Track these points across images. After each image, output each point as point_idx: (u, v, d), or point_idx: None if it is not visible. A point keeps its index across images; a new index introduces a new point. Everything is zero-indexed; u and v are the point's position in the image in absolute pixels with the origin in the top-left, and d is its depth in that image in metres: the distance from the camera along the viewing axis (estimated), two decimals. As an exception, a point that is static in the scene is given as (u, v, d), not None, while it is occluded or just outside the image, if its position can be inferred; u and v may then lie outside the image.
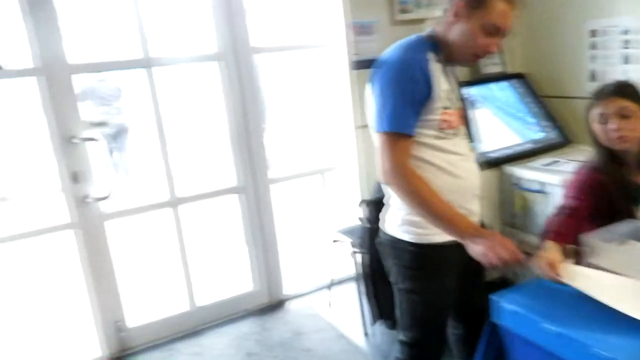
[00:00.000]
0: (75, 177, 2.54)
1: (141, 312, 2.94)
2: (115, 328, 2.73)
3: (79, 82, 2.52)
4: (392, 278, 1.79)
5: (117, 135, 5.72)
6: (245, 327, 2.95)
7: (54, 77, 2.41)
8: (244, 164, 2.94)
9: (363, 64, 3.03)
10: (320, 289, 3.27)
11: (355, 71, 3.03)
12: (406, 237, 1.67)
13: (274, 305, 3.14)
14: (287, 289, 3.21)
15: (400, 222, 1.68)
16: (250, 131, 2.92)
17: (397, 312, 1.80)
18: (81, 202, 2.56)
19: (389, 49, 1.64)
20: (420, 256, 1.67)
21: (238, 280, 3.21)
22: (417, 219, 1.60)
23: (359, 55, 3.02)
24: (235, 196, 3.00)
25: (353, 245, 2.77)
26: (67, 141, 2.49)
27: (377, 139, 1.58)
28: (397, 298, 1.78)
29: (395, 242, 1.71)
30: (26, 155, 5.53)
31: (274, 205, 3.08)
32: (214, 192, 2.97)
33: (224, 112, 2.88)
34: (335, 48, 3.07)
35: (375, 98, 1.60)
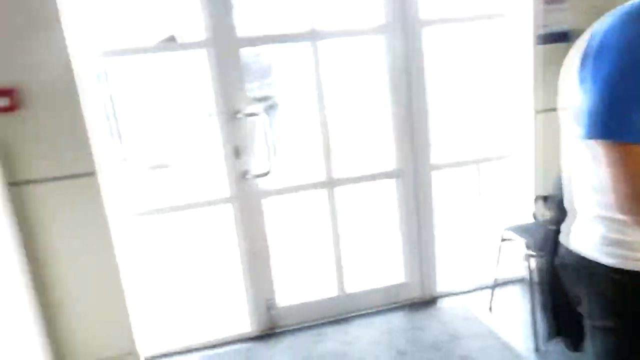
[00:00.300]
0: (237, 152, 2.52)
1: (291, 292, 2.90)
2: (266, 305, 2.72)
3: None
4: (585, 310, 1.39)
5: (268, 111, 5.88)
6: (395, 321, 2.76)
7: (223, 50, 2.39)
8: (404, 146, 2.72)
9: (551, 38, 2.60)
10: (479, 289, 2.96)
11: (540, 46, 2.61)
12: (610, 261, 1.26)
13: (426, 301, 2.91)
14: (441, 285, 2.95)
15: (600, 239, 1.26)
16: (414, 111, 2.67)
17: (593, 354, 1.43)
18: (241, 178, 2.55)
19: (607, 19, 1.16)
20: (632, 287, 1.27)
21: (390, 270, 3.03)
22: (630, 237, 1.21)
23: (547, 27, 2.60)
24: (393, 181, 2.80)
25: (527, 247, 2.42)
26: (232, 115, 2.47)
27: (599, 150, 1.17)
28: (592, 337, 1.40)
29: (592, 266, 1.29)
30: (190, 125, 5.92)
31: (434, 193, 2.82)
32: (372, 175, 2.78)
33: (386, 90, 2.66)
34: (517, 18, 2.67)
35: (589, 90, 1.16)
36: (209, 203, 2.60)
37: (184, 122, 6.25)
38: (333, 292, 2.83)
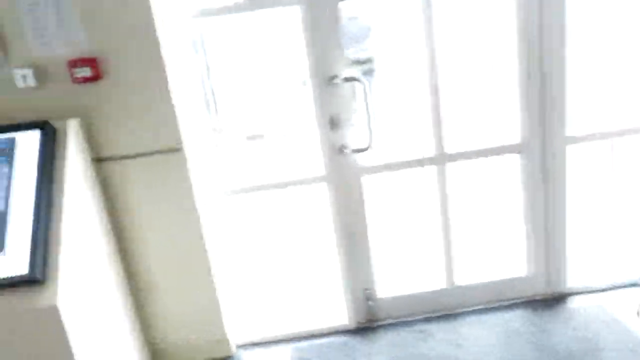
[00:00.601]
0: (333, 123, 2.21)
1: (392, 282, 2.59)
2: (364, 296, 2.43)
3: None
4: None
5: (367, 77, 5.42)
6: (516, 321, 2.36)
7: (320, 5, 2.06)
8: (532, 115, 2.25)
9: None
10: (622, 287, 2.45)
11: None
12: None
13: (553, 299, 2.46)
14: (572, 280, 2.48)
15: None
16: (547, 72, 2.18)
17: None
18: (338, 153, 2.24)
19: None
20: None
21: (509, 261, 2.61)
22: None
23: None
24: (517, 156, 2.35)
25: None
26: (328, 81, 2.15)
27: None
28: None
29: None
30: (285, 93, 5.69)
31: (568, 172, 2.33)
32: (491, 149, 2.35)
33: (513, 46, 2.20)
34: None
35: None
36: (302, 182, 2.33)
37: (279, 88, 6.04)
38: (440, 284, 2.47)
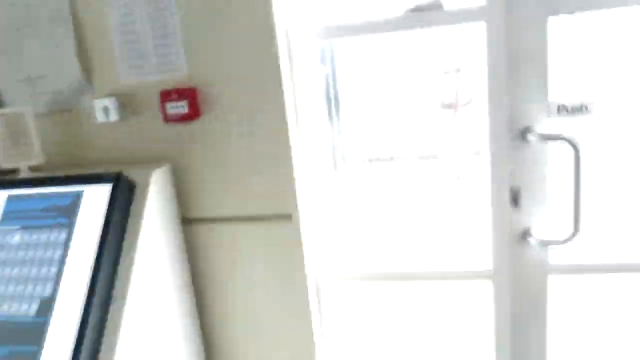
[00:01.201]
0: (516, 198, 1.50)
1: None
2: None
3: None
4: None
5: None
6: None
7: (520, 21, 1.37)
8: None
9: None
10: None
11: None
12: None
13: None
14: None
15: None
16: None
17: None
18: (517, 240, 1.52)
19: None
20: None
21: None
22: None
23: None
24: None
25: None
26: (516, 135, 1.45)
27: None
28: None
29: None
30: (419, 115, 5.08)
31: None
32: None
33: None
34: None
35: None
36: (459, 276, 1.63)
37: (414, 111, 5.42)
38: None
